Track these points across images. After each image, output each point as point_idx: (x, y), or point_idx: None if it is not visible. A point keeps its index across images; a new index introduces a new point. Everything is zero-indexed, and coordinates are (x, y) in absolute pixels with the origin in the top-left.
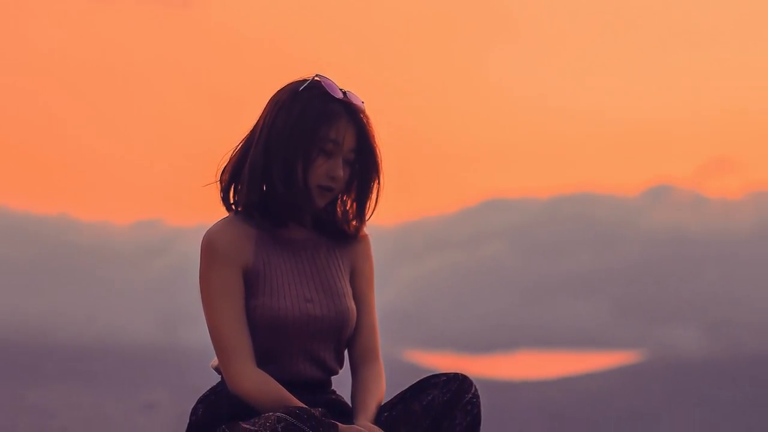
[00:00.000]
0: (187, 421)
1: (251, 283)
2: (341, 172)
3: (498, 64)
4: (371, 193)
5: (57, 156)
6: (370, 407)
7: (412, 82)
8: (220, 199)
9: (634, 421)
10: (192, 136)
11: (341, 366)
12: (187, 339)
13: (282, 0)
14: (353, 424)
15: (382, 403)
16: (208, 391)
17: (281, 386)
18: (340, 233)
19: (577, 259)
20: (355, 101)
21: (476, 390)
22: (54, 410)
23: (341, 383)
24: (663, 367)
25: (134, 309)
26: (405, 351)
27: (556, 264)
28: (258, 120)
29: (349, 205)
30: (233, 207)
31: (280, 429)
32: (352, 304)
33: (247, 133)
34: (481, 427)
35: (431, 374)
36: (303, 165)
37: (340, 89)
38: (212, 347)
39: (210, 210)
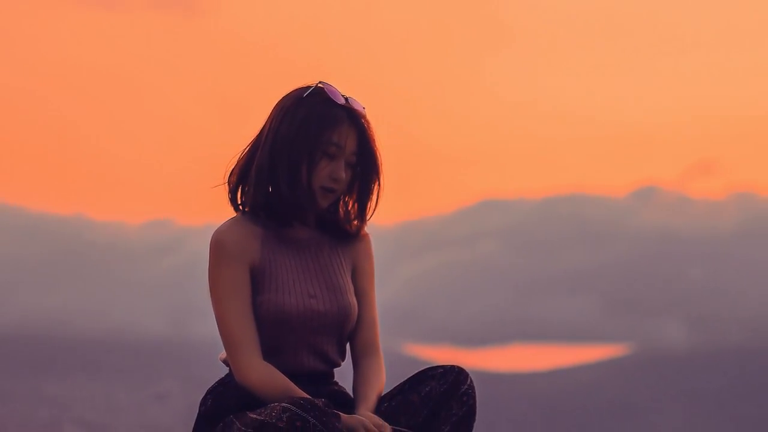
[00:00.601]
0: (197, 411)
1: (257, 279)
2: (343, 174)
3: (493, 71)
4: (372, 193)
5: (73, 159)
6: (371, 398)
7: (411, 88)
8: (228, 199)
9: (622, 410)
10: (201, 139)
11: (343, 359)
12: (197, 333)
13: (287, 10)
14: (355, 414)
15: (383, 394)
16: (216, 382)
17: (286, 378)
18: (343, 232)
19: (569, 257)
20: (356, 107)
21: (471, 381)
22: (70, 401)
23: (343, 375)
24: (650, 360)
25: (146, 304)
26: (404, 344)
27: (548, 262)
28: (264, 125)
29: (350, 206)
30: (240, 207)
31: (285, 418)
32: (353, 300)
33: (253, 137)
34: (476, 416)
35: (429, 366)
36: (307, 167)
37: (342, 95)
38: (220, 341)
39: (218, 210)
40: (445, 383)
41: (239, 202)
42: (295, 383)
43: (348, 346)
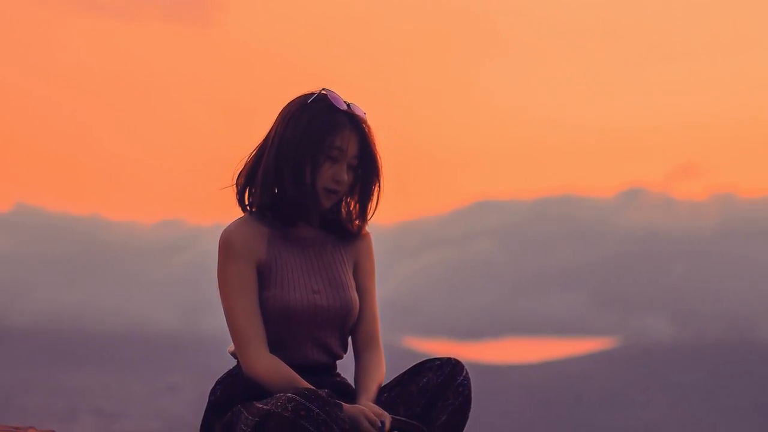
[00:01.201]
0: (207, 401)
1: (264, 276)
2: (345, 176)
3: (488, 78)
4: (372, 195)
5: (89, 163)
6: (372, 389)
7: (410, 94)
8: (236, 200)
9: (610, 399)
10: (210, 143)
11: (345, 351)
12: (206, 327)
13: (291, 20)
14: (356, 404)
15: (383, 385)
16: (225, 374)
17: (291, 369)
18: (345, 232)
19: (559, 255)
20: (358, 112)
21: (467, 373)
22: (86, 391)
23: (345, 367)
24: (636, 352)
25: (158, 300)
26: (403, 338)
27: (540, 259)
28: (270, 129)
29: (352, 206)
30: (248, 208)
31: (290, 408)
32: (355, 296)
33: (260, 141)
34: (471, 406)
35: (426, 359)
36: (311, 170)
37: (345, 101)
38: (229, 335)
39: (226, 210)
40: (442, 375)
41: (246, 203)
42: (300, 375)
43: (350, 339)
